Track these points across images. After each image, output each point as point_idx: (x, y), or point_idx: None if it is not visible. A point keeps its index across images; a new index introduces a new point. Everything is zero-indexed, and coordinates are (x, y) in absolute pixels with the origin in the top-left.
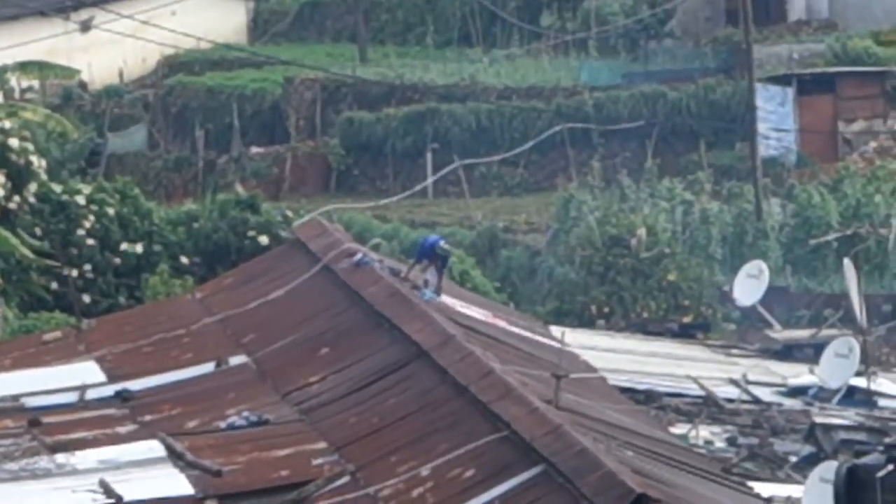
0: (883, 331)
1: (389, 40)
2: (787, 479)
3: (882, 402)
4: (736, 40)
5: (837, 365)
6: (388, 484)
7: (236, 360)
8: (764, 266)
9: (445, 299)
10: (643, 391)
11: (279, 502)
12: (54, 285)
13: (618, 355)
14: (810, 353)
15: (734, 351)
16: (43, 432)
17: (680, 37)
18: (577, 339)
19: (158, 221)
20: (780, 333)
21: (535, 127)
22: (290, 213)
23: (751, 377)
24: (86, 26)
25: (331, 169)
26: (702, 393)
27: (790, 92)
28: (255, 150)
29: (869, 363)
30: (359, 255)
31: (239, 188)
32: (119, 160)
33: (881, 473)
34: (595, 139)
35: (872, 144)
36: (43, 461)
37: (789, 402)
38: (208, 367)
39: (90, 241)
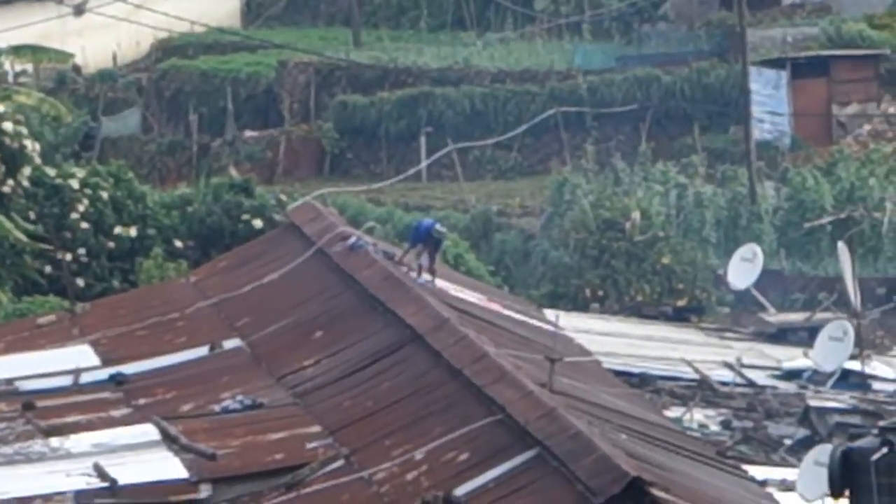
0: (877, 314)
1: (383, 24)
2: (782, 463)
3: (876, 385)
4: (730, 23)
5: (832, 348)
6: (383, 467)
7: (230, 343)
8: (758, 249)
9: (439, 283)
10: (637, 374)
11: (273, 486)
12: (48, 269)
13: (612, 339)
14: (804, 336)
15: (728, 334)
16: (37, 416)
17: (674, 20)
18: (571, 323)
19: (152, 205)
20: (774, 317)
21: (528, 110)
22: (283, 197)
23: (745, 360)
24: (79, 10)
25: (325, 152)
26: (696, 376)
27: (784, 75)
28: (248, 133)
29: (863, 346)
30: (353, 239)
31: (233, 172)
32: (113, 144)
33: (875, 456)
34: (589, 122)
35: (866, 128)
36: (37, 445)
37: (783, 386)
38: (202, 350)
39: (84, 225)
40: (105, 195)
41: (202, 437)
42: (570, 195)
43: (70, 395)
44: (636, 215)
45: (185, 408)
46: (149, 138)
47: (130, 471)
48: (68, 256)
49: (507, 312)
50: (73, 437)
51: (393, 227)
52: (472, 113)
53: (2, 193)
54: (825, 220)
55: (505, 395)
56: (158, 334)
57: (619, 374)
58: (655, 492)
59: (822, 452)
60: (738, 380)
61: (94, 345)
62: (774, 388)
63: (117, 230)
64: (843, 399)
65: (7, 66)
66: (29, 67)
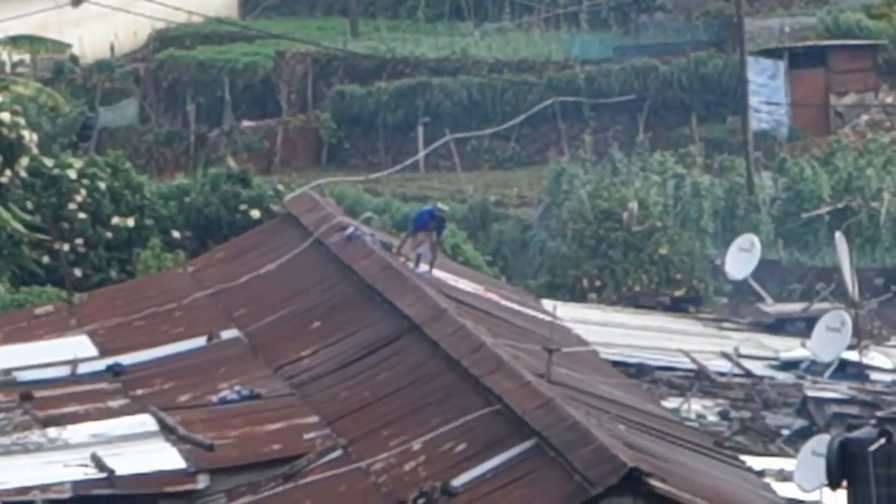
0: (875, 304)
1: (381, 14)
2: (780, 453)
3: (874, 375)
4: (727, 13)
5: (829, 338)
6: (380, 458)
7: (228, 334)
8: (756, 240)
9: (437, 273)
10: (635, 365)
11: (271, 476)
12: (46, 259)
13: (610, 329)
14: (802, 326)
15: (726, 324)
16: (35, 406)
17: (671, 10)
18: (568, 313)
19: (150, 195)
20: (771, 307)
21: (526, 100)
22: (281, 187)
23: (743, 351)
24: (77, 0)
25: (322, 143)
26: (694, 367)
27: (782, 65)
28: (246, 123)
29: (861, 337)
30: (350, 229)
31: (230, 162)
32: (110, 134)
33: (873, 447)
34: (586, 113)
35: (864, 118)
36: (35, 435)
37: (781, 376)
38: (200, 341)
39: (82, 215)
40: (102, 185)
41: (200, 427)
42: (568, 185)
43: (68, 386)
44: (634, 205)
45: (183, 398)
46: (146, 128)
47: (128, 461)
48: (66, 247)
49: (504, 303)
50: (70, 427)
51: (390, 217)
52: (470, 103)
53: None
54: (823, 210)
55: (502, 386)
56: (156, 325)
57: (616, 364)
58: (653, 482)
59: (819, 443)
60: (736, 370)
61: (92, 335)
62: (772, 378)
63: (115, 220)
64: (841, 389)
65: (4, 57)
66: (26, 58)
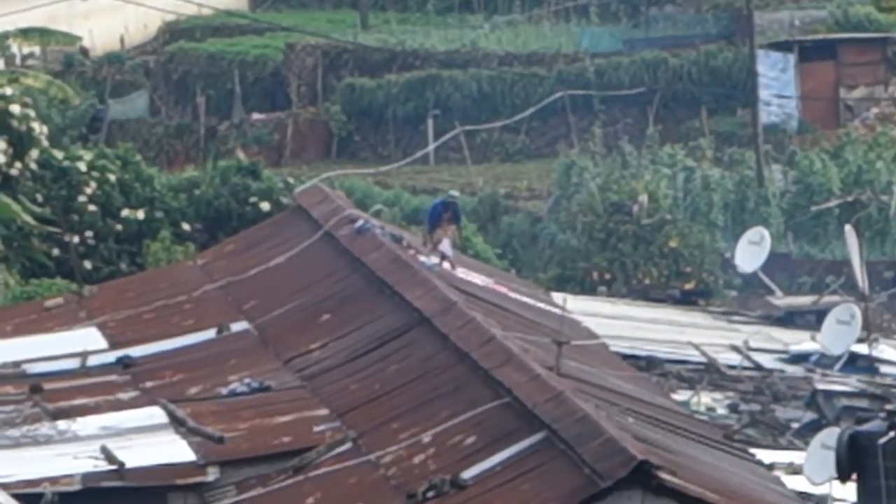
0: (884, 297)
1: (390, 6)
2: (789, 446)
3: (884, 368)
4: (737, 6)
5: (839, 332)
6: (390, 450)
7: (238, 326)
8: (765, 233)
9: (446, 266)
10: (645, 358)
11: (281, 468)
12: (56, 252)
13: (619, 322)
14: (812, 319)
15: (736, 318)
16: (44, 399)
17: (681, 3)
18: (578, 306)
19: (160, 188)
20: (781, 300)
21: (536, 93)
22: (291, 180)
23: (752, 344)
24: None
25: (332, 135)
26: (703, 360)
27: (791, 58)
28: (256, 116)
29: (870, 330)
30: (360, 222)
31: (240, 154)
32: (120, 126)
33: (883, 440)
34: (596, 105)
35: (874, 111)
36: (44, 428)
37: (791, 369)
38: (210, 333)
39: (91, 208)
40: (112, 178)
41: (209, 419)
42: (578, 178)
43: (77, 378)
44: (644, 198)
45: (193, 391)
46: (156, 121)
47: (138, 454)
48: (76, 239)
49: (514, 296)
50: (80, 419)
51: (400, 209)
52: (480, 96)
53: (10, 176)
54: (832, 203)
55: (512, 379)
56: (166, 317)
57: (626, 357)
58: (662, 475)
59: (829, 436)
60: (746, 363)
61: (102, 327)
62: (782, 371)
63: (125, 213)
64: (851, 382)
65: (15, 49)
66: (36, 50)
